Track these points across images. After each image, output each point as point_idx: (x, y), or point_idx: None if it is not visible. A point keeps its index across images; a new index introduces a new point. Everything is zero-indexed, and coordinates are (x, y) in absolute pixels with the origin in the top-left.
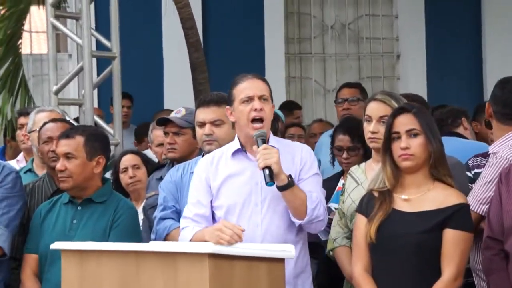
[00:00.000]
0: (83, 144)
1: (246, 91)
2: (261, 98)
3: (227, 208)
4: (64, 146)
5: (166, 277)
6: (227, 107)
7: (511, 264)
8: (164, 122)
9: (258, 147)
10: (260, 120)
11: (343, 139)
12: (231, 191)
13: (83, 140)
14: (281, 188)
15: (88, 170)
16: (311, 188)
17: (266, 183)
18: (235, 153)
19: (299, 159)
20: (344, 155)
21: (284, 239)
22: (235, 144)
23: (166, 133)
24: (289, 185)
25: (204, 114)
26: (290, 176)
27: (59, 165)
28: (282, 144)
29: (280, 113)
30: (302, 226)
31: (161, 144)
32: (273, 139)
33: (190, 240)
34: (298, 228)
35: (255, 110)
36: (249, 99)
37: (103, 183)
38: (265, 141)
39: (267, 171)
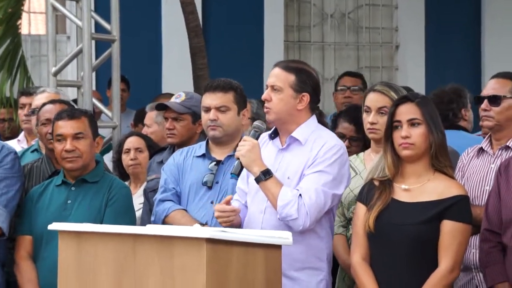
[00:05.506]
0: (88, 125)
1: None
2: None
3: (249, 190)
4: (73, 126)
5: (163, 261)
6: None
7: (508, 257)
8: (164, 107)
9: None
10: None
11: (347, 128)
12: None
13: (87, 120)
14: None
15: (93, 150)
16: (305, 185)
17: (230, 173)
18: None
19: (314, 153)
20: (346, 143)
21: (282, 229)
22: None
23: (166, 118)
24: (258, 179)
25: (210, 99)
26: (267, 170)
27: (68, 146)
28: (315, 134)
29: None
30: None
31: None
32: (306, 127)
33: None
34: None
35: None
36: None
37: (95, 164)
38: (256, 132)
39: (235, 162)
